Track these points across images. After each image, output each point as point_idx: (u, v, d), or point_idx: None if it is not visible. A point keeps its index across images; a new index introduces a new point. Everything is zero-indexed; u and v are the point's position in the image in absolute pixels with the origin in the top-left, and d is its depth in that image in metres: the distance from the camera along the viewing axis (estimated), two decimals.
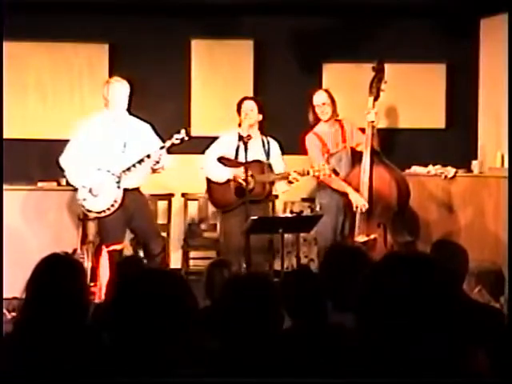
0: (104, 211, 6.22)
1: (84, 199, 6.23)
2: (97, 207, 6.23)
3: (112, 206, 6.20)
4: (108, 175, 6.20)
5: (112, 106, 6.27)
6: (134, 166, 6.19)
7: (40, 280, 3.05)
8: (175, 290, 2.35)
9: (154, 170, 6.32)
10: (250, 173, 6.17)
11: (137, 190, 6.37)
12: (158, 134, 6.43)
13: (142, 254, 6.70)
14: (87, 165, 6.21)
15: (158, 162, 6.22)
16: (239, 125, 6.45)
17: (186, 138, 6.24)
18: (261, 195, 6.42)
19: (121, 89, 6.26)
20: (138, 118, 6.43)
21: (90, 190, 6.20)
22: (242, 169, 6.20)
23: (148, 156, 6.18)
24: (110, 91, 6.26)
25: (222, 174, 6.38)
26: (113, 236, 6.28)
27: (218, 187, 6.45)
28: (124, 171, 6.20)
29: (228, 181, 6.38)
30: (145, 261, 6.31)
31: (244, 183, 6.15)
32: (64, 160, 6.28)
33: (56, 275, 3.05)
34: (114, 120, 6.28)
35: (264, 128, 6.59)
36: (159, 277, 2.41)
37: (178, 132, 6.24)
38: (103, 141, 6.23)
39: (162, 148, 6.20)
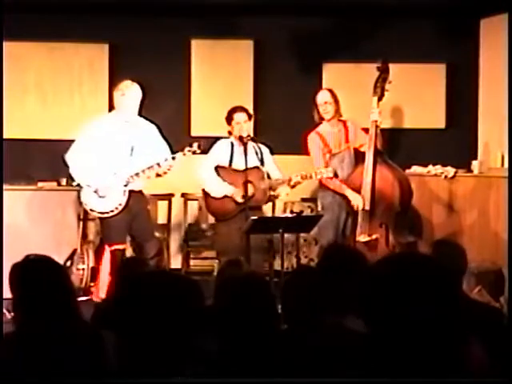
0: (107, 212, 6.22)
1: (88, 198, 6.23)
2: (101, 208, 6.23)
3: (116, 208, 6.21)
4: (115, 178, 6.20)
5: (124, 110, 6.25)
6: (143, 171, 6.19)
7: (19, 284, 3.04)
8: (186, 291, 2.35)
9: (158, 175, 6.32)
10: (248, 179, 6.20)
11: (140, 191, 6.38)
12: (163, 136, 6.43)
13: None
14: (93, 165, 6.20)
15: (165, 173, 6.23)
16: (229, 133, 6.48)
17: (198, 152, 6.24)
18: (261, 202, 6.44)
19: (135, 95, 6.24)
20: (145, 118, 6.42)
21: (96, 191, 6.20)
22: (240, 190, 6.22)
23: (158, 164, 6.18)
24: (124, 98, 6.23)
25: (221, 189, 6.40)
26: (116, 236, 6.28)
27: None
28: (132, 176, 6.20)
29: (225, 197, 6.40)
30: None
31: (241, 200, 6.20)
32: (70, 157, 6.27)
33: (31, 279, 3.03)
34: (122, 123, 6.27)
35: (264, 128, 6.60)
36: (169, 278, 2.41)
37: (191, 145, 6.23)
38: (111, 143, 6.23)
39: (173, 159, 6.19)
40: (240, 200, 6.30)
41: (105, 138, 6.23)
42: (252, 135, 6.52)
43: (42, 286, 2.98)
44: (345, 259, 3.75)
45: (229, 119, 6.48)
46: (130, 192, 6.24)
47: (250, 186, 6.29)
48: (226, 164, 6.47)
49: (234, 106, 6.56)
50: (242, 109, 6.55)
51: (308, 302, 3.26)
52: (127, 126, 6.28)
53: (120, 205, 6.22)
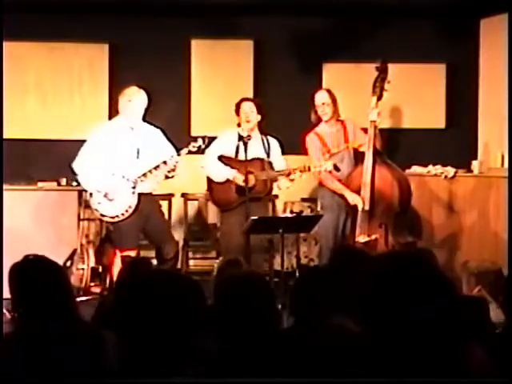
0: (118, 216, 6.22)
1: (99, 203, 6.24)
2: (111, 212, 6.24)
3: (126, 211, 6.21)
4: (123, 181, 6.21)
5: (129, 116, 6.27)
6: (150, 171, 6.20)
7: (16, 285, 3.04)
8: (187, 291, 2.35)
9: (167, 176, 6.33)
10: (249, 169, 6.20)
11: (150, 193, 6.38)
12: (168, 139, 6.44)
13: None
14: (101, 170, 6.21)
15: (173, 170, 6.23)
16: (238, 125, 6.48)
17: (203, 147, 6.25)
18: (262, 192, 6.44)
19: (142, 102, 6.26)
20: (149, 123, 6.43)
21: (106, 195, 6.21)
22: (241, 175, 6.23)
23: (164, 162, 6.19)
24: (131, 104, 6.24)
25: (223, 173, 6.40)
26: (127, 241, 6.27)
27: (218, 186, 6.47)
28: (140, 177, 6.21)
29: (228, 180, 6.40)
30: (154, 263, 6.33)
31: (244, 184, 6.18)
32: (77, 164, 6.29)
33: (28, 279, 3.03)
34: (128, 128, 6.29)
35: (264, 128, 6.60)
36: (170, 278, 2.41)
37: (195, 140, 6.24)
38: (117, 147, 6.24)
39: (178, 155, 6.20)
40: (241, 183, 6.27)
41: (111, 143, 6.25)
42: (255, 131, 6.50)
43: (38, 286, 2.98)
44: (355, 260, 3.76)
45: (237, 110, 6.48)
46: (140, 194, 6.25)
47: (251, 176, 6.28)
48: (232, 155, 6.46)
49: (241, 98, 6.58)
50: (249, 99, 6.59)
51: (311, 302, 3.27)
52: (132, 131, 6.30)
53: (130, 207, 6.22)
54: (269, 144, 6.57)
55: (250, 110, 6.44)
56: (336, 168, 6.25)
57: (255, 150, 6.38)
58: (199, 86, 8.21)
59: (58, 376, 2.75)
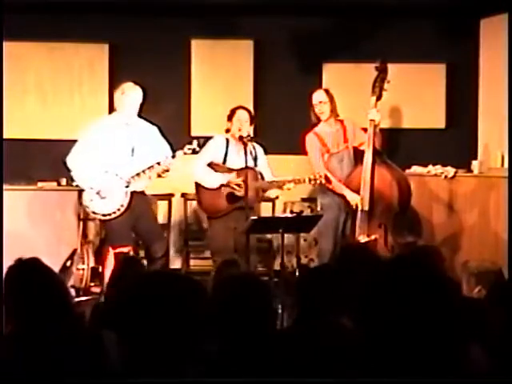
0: (110, 214, 6.22)
1: (91, 200, 6.24)
2: (103, 210, 6.23)
3: (118, 209, 6.21)
4: (116, 179, 6.20)
5: (124, 111, 6.26)
6: (143, 171, 6.20)
7: (13, 288, 3.04)
8: (186, 291, 2.35)
9: (159, 175, 6.33)
10: (242, 178, 6.20)
11: (142, 192, 6.38)
12: (164, 137, 6.44)
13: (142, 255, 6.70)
14: (95, 167, 6.21)
15: (167, 170, 6.23)
16: (227, 130, 6.48)
17: (198, 150, 6.25)
18: (254, 202, 6.44)
19: (136, 96, 6.25)
20: (145, 120, 6.43)
21: (98, 192, 6.20)
22: (234, 174, 6.24)
23: (158, 163, 6.19)
24: (125, 97, 6.23)
25: (216, 179, 6.39)
26: (119, 238, 6.27)
27: (208, 193, 6.46)
28: (133, 177, 6.20)
29: (221, 186, 6.39)
30: (145, 263, 6.32)
31: (238, 188, 6.21)
32: (71, 160, 6.28)
33: (26, 282, 3.03)
34: (123, 124, 6.28)
35: (264, 128, 6.61)
36: (170, 278, 2.41)
37: (190, 143, 6.24)
38: (112, 144, 6.23)
39: (173, 157, 6.20)
40: (236, 187, 6.27)
41: (105, 140, 6.24)
42: (252, 135, 6.51)
43: (32, 287, 2.97)
44: (361, 259, 3.76)
45: (230, 116, 6.48)
46: (132, 193, 6.25)
47: (242, 184, 6.28)
48: (220, 161, 6.47)
49: (238, 105, 6.58)
50: (246, 108, 6.57)
51: (312, 302, 3.27)
52: (128, 128, 6.29)
53: (122, 206, 6.22)
54: (255, 151, 6.56)
55: (244, 120, 6.43)
56: (327, 179, 6.26)
57: (243, 156, 6.37)
58: (199, 86, 8.21)
59: (58, 376, 2.75)
